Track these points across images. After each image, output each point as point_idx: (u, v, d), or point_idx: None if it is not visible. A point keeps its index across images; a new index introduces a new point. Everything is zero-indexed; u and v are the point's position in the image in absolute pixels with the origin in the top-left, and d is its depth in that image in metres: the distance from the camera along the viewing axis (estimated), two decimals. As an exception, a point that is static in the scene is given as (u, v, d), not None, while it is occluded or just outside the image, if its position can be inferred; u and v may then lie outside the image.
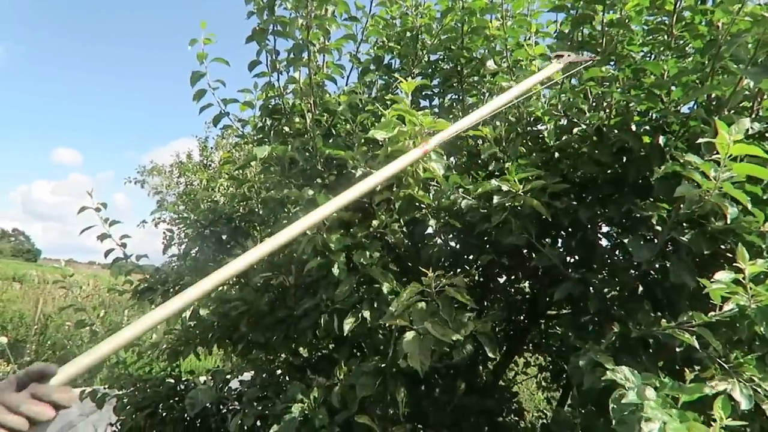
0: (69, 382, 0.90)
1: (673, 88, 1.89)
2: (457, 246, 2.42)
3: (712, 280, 1.40)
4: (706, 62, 1.76)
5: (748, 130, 1.63)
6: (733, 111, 1.76)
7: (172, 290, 2.71)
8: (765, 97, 1.77)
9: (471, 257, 2.51)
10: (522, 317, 2.80)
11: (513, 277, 2.74)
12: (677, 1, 1.85)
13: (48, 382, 0.88)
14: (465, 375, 2.43)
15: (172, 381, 2.86)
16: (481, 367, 2.79)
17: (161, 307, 1.04)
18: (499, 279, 2.78)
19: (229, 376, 2.61)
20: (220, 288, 2.50)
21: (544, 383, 3.74)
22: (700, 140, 1.50)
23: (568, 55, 1.87)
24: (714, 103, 1.86)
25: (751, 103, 1.80)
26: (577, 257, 2.19)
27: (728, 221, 1.45)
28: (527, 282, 2.76)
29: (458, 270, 2.66)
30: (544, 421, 3.61)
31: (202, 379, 2.68)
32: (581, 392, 1.74)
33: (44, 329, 8.74)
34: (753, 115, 1.80)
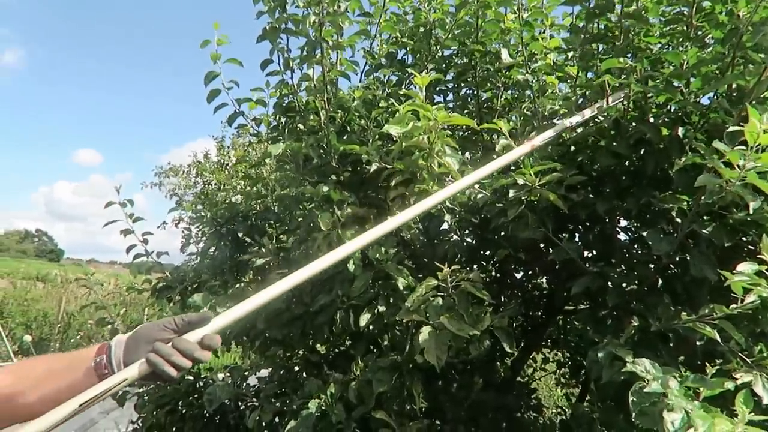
0: (219, 332, 1.07)
1: (692, 78, 1.86)
2: (473, 241, 2.41)
3: (734, 272, 1.37)
4: (727, 52, 1.72)
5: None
6: (755, 101, 1.73)
7: (189, 288, 2.74)
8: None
9: (487, 252, 2.49)
10: (540, 312, 2.78)
11: (530, 272, 2.72)
12: (696, -9, 1.82)
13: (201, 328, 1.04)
14: (482, 371, 2.42)
15: (192, 378, 2.89)
16: (498, 363, 2.77)
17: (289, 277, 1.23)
18: (516, 274, 2.76)
19: (246, 373, 2.62)
20: (238, 286, 2.52)
21: (563, 379, 3.72)
22: (731, 128, 1.47)
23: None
24: (735, 93, 1.83)
25: (773, 93, 1.76)
26: (595, 251, 2.17)
27: (750, 212, 1.42)
28: (545, 277, 2.73)
29: (474, 265, 2.65)
30: (563, 417, 3.58)
31: (221, 376, 2.70)
32: (599, 387, 1.72)
33: (67, 327, 8.90)
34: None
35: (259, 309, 1.19)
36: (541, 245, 2.20)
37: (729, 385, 1.36)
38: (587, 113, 1.88)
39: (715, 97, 1.80)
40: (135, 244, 2.77)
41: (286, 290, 1.22)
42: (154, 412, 2.77)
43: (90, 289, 2.65)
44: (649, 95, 1.90)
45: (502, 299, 2.73)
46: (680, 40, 1.97)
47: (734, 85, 1.80)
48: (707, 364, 1.42)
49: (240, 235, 2.86)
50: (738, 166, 1.37)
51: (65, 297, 9.51)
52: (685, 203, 1.73)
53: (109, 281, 12.14)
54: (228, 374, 2.49)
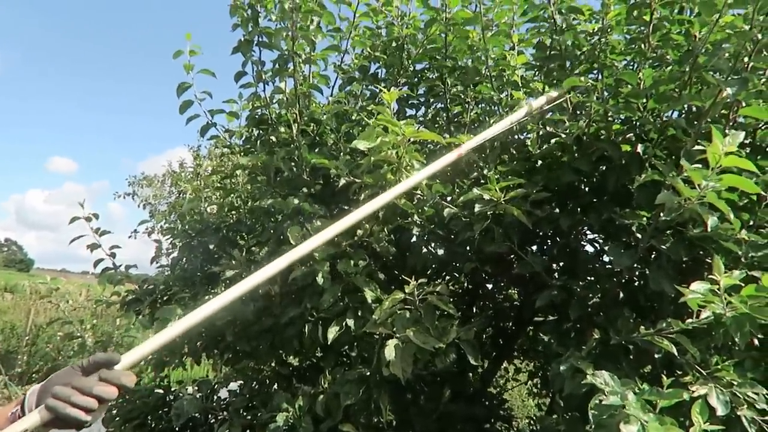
0: (130, 368, 1.03)
1: (652, 96, 1.92)
2: (443, 253, 2.43)
3: (689, 289, 1.42)
4: (687, 71, 1.78)
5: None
6: (710, 120, 1.79)
7: (159, 301, 2.71)
8: (742, 105, 1.80)
9: (457, 264, 2.52)
10: (510, 324, 2.81)
11: (501, 284, 2.75)
12: (653, 13, 1.88)
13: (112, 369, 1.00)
14: (452, 382, 2.43)
15: (161, 392, 2.85)
16: (470, 374, 2.80)
17: (202, 307, 1.18)
18: (488, 285, 2.79)
19: (216, 386, 2.60)
20: (206, 297, 2.50)
21: (534, 390, 3.75)
22: (695, 147, 1.53)
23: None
24: (692, 113, 1.89)
25: (728, 112, 1.82)
26: (560, 264, 2.21)
27: (709, 230, 1.47)
28: (515, 289, 2.77)
29: (446, 277, 2.68)
30: (534, 428, 3.62)
31: (190, 389, 2.68)
32: (564, 398, 1.76)
33: (35, 340, 8.68)
34: (731, 124, 1.83)
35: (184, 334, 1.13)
36: (512, 257, 2.23)
37: (685, 396, 1.40)
38: (515, 117, 1.91)
39: (672, 115, 1.85)
40: (103, 258, 2.74)
41: (210, 314, 1.17)
42: (123, 427, 2.73)
43: (55, 305, 2.61)
44: (609, 113, 1.95)
45: (474, 310, 2.76)
46: (640, 59, 2.04)
47: (692, 105, 1.86)
48: (663, 376, 1.45)
49: (211, 247, 2.84)
50: (699, 185, 1.42)
51: (34, 309, 9.27)
52: (645, 219, 1.77)
53: (81, 292, 11.89)
54: (196, 388, 2.47)
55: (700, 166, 1.45)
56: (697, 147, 1.54)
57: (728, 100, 1.69)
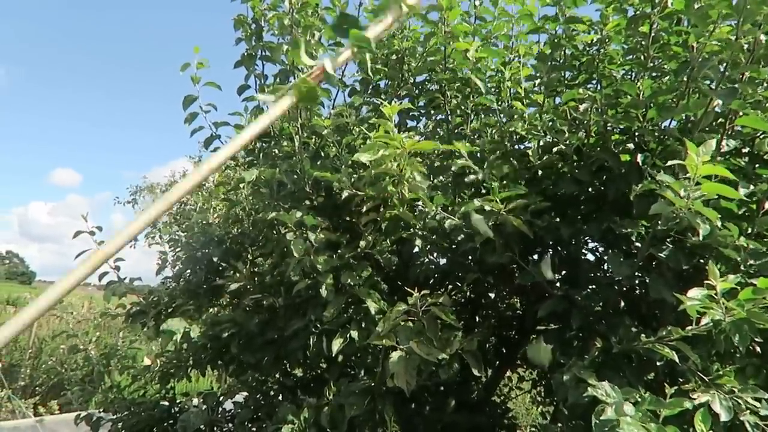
0: None
1: (651, 106, 1.94)
2: (445, 264, 2.45)
3: (687, 296, 1.43)
4: (685, 80, 1.80)
5: (718, 149, 1.69)
6: (707, 129, 1.81)
7: (164, 313, 2.72)
8: (740, 114, 1.82)
9: (459, 275, 2.53)
10: (513, 332, 2.82)
11: (504, 293, 2.76)
12: (653, 24, 1.90)
13: None
14: (456, 392, 2.44)
15: (166, 404, 2.86)
16: (473, 383, 2.80)
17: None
18: (490, 295, 2.80)
19: (222, 398, 2.61)
20: (211, 310, 2.52)
21: (538, 398, 3.75)
22: (670, 162, 1.55)
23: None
24: (690, 122, 1.91)
25: (725, 121, 1.84)
26: (562, 273, 2.22)
27: (701, 238, 1.49)
28: (517, 298, 2.78)
29: (448, 287, 2.69)
30: (538, 436, 3.61)
31: (195, 401, 2.68)
32: (567, 407, 1.76)
33: (39, 353, 8.67)
34: (728, 132, 1.85)
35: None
36: (513, 267, 2.25)
37: (687, 404, 1.41)
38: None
39: (669, 125, 1.87)
40: (107, 271, 2.76)
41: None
42: (128, 440, 2.73)
43: (59, 317, 2.62)
44: (608, 124, 1.97)
45: (477, 319, 2.77)
46: (639, 69, 2.06)
47: (689, 115, 1.88)
48: (666, 384, 1.46)
49: (215, 259, 2.86)
50: (683, 195, 1.44)
51: (37, 322, 9.25)
52: (644, 228, 1.79)
53: (83, 304, 11.89)
54: (201, 400, 2.48)
55: (689, 175, 1.47)
56: (671, 162, 1.56)
57: (717, 109, 1.72)
